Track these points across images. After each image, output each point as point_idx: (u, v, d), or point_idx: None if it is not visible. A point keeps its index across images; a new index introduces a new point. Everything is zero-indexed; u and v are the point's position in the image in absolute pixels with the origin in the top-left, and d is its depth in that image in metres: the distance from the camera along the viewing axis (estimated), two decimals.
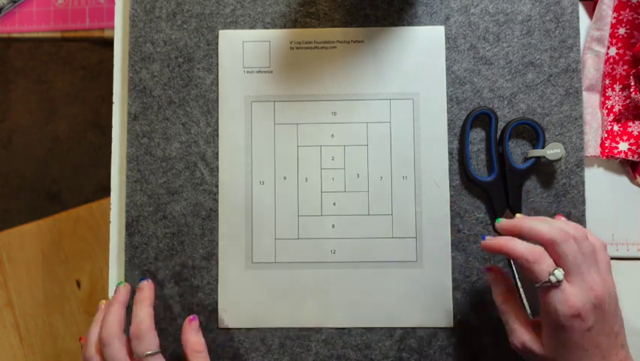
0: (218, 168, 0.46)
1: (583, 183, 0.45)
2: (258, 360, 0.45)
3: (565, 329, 0.34)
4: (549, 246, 0.35)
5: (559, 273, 0.34)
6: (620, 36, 0.46)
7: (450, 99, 0.45)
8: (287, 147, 0.46)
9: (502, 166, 0.44)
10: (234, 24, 0.47)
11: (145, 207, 0.46)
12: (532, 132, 0.45)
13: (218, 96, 0.46)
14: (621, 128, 0.46)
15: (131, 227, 0.46)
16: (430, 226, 0.45)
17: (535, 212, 0.45)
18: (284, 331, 0.45)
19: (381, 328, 0.45)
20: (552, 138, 0.45)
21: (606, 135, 0.46)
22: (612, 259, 0.46)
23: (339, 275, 0.45)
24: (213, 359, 0.44)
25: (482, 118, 0.45)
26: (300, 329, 0.45)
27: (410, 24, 0.46)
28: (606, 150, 0.46)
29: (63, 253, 0.87)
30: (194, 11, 0.47)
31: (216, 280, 0.45)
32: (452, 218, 0.45)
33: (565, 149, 0.45)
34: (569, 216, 0.44)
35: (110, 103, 0.48)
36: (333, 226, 0.45)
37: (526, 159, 0.45)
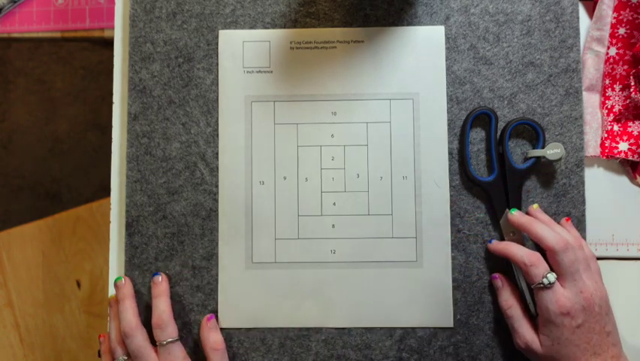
0: (218, 168, 0.46)
1: (583, 183, 0.45)
2: (258, 360, 0.45)
3: (557, 325, 0.38)
4: (549, 252, 0.40)
5: (551, 276, 0.39)
6: (620, 36, 0.46)
7: (450, 99, 0.45)
8: (287, 147, 0.46)
9: (502, 166, 0.44)
10: (234, 24, 0.47)
11: (145, 207, 0.46)
12: (532, 132, 0.45)
13: (218, 96, 0.46)
14: (621, 128, 0.46)
15: (131, 227, 0.46)
16: (430, 226, 0.45)
17: None
18: (284, 331, 0.45)
19: (381, 328, 0.45)
20: (552, 137, 0.45)
21: (606, 135, 0.46)
22: (612, 259, 0.46)
23: (339, 275, 0.45)
24: None
25: (482, 118, 0.45)
26: (300, 329, 0.45)
27: (410, 24, 0.46)
28: (606, 150, 0.46)
29: (63, 253, 0.87)
30: (194, 11, 0.47)
31: (216, 280, 0.45)
32: (452, 218, 0.45)
33: (565, 149, 0.45)
34: (568, 216, 0.44)
35: (110, 103, 0.48)
36: (333, 226, 0.45)
37: (526, 159, 0.45)
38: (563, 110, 0.45)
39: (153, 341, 0.42)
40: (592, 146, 0.46)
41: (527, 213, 0.43)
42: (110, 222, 0.47)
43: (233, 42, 0.46)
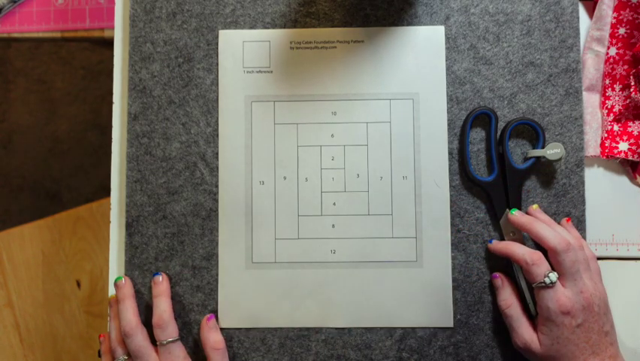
0: (218, 168, 0.46)
1: (583, 183, 0.45)
2: (257, 360, 0.45)
3: (557, 324, 0.38)
4: (551, 252, 0.40)
5: (553, 276, 0.39)
6: (620, 36, 0.46)
7: (450, 99, 0.45)
8: (287, 147, 0.46)
9: (502, 166, 0.44)
10: (234, 24, 0.47)
11: (145, 207, 0.46)
12: (532, 132, 0.45)
13: (218, 96, 0.46)
14: (621, 128, 0.46)
15: (131, 227, 0.46)
16: (430, 226, 0.45)
17: None
18: (284, 331, 0.45)
19: (381, 328, 0.45)
20: (552, 138, 0.45)
21: (606, 135, 0.46)
22: (612, 259, 0.46)
23: (339, 275, 0.45)
24: None
25: (482, 118, 0.45)
26: (300, 329, 0.45)
27: (410, 24, 0.46)
28: (606, 150, 0.46)
29: (63, 253, 0.87)
30: (194, 11, 0.47)
31: (216, 280, 0.45)
32: (452, 218, 0.45)
33: (565, 149, 0.45)
34: (568, 216, 0.44)
35: (110, 103, 0.48)
36: (333, 226, 0.45)
37: (526, 159, 0.45)
38: (562, 110, 0.45)
39: (153, 341, 0.42)
40: (592, 146, 0.46)
41: (527, 214, 0.43)
42: (110, 222, 0.47)
43: (233, 42, 0.46)
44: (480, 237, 0.45)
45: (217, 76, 0.46)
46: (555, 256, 0.39)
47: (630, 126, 0.46)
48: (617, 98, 0.46)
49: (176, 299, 0.45)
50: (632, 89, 0.45)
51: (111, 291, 0.45)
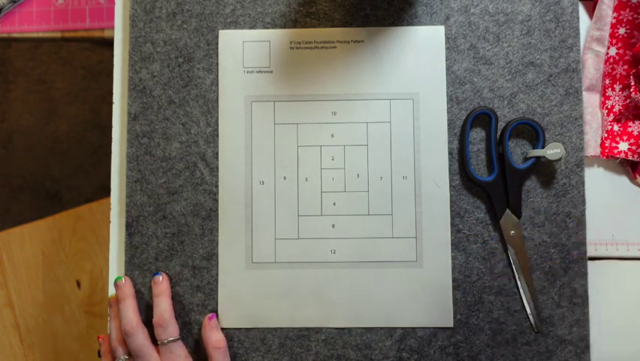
0: (218, 168, 0.46)
1: (583, 183, 0.45)
2: (257, 360, 0.45)
3: None
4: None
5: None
6: (620, 36, 0.46)
7: (450, 99, 0.45)
8: (287, 147, 0.46)
9: (502, 166, 0.44)
10: (234, 24, 0.47)
11: (145, 207, 0.46)
12: (532, 132, 0.45)
13: (218, 96, 0.46)
14: (621, 128, 0.46)
15: (131, 227, 0.46)
16: (430, 226, 0.45)
17: (536, 212, 0.45)
18: (284, 331, 0.45)
19: (381, 328, 0.45)
20: (552, 138, 0.45)
21: (606, 135, 0.46)
22: (612, 259, 0.46)
23: (339, 275, 0.45)
24: None
25: (482, 118, 0.45)
26: (300, 329, 0.45)
27: (410, 24, 0.46)
28: (606, 150, 0.46)
29: (63, 253, 0.87)
30: (194, 11, 0.47)
31: (216, 280, 0.45)
32: (452, 218, 0.45)
33: (565, 149, 0.45)
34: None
35: (110, 103, 0.48)
36: (333, 226, 0.45)
37: (526, 159, 0.45)
38: (563, 110, 0.45)
39: (154, 341, 0.42)
40: (592, 146, 0.46)
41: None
42: (110, 222, 0.47)
43: (233, 42, 0.46)
44: (480, 237, 0.45)
45: (217, 76, 0.46)
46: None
47: (630, 126, 0.46)
48: (617, 98, 0.46)
49: (176, 299, 0.45)
50: (632, 89, 0.45)
51: (111, 291, 0.45)
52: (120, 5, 0.49)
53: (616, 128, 0.46)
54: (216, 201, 0.45)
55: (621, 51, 0.46)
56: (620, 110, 0.46)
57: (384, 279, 0.45)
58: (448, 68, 0.46)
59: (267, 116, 0.46)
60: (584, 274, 0.44)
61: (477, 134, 0.46)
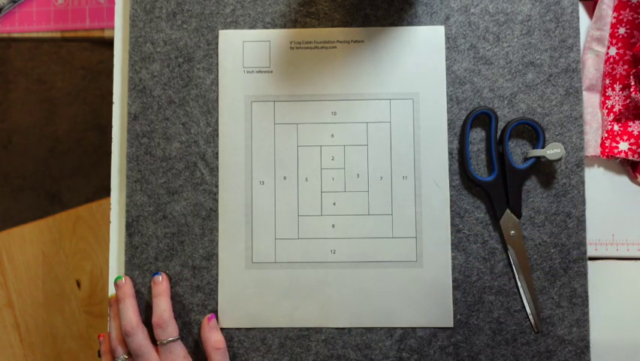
0: (218, 168, 0.46)
1: (583, 183, 0.45)
2: (257, 360, 0.45)
3: None
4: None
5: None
6: (620, 36, 0.46)
7: (450, 99, 0.45)
8: (287, 147, 0.46)
9: (502, 166, 0.44)
10: (234, 24, 0.47)
11: (145, 207, 0.46)
12: (532, 132, 0.45)
13: (218, 96, 0.46)
14: (621, 128, 0.46)
15: (131, 227, 0.46)
16: (430, 226, 0.45)
17: (536, 212, 0.45)
18: (284, 331, 0.45)
19: (381, 328, 0.45)
20: (552, 137, 0.45)
21: (606, 135, 0.46)
22: (612, 259, 0.46)
23: (339, 275, 0.45)
24: None
25: (482, 118, 0.45)
26: (300, 329, 0.45)
27: (410, 24, 0.46)
28: (606, 150, 0.46)
29: (63, 253, 0.87)
30: (194, 11, 0.47)
31: (216, 280, 0.45)
32: (452, 218, 0.45)
33: (565, 149, 0.45)
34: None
35: (110, 103, 0.48)
36: (333, 225, 0.45)
37: (526, 159, 0.45)
38: (563, 110, 0.45)
39: (153, 341, 0.42)
40: (592, 146, 0.46)
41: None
42: (110, 222, 0.47)
43: (233, 42, 0.46)
44: (480, 237, 0.45)
45: (217, 76, 0.46)
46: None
47: (630, 126, 0.46)
48: (617, 98, 0.46)
49: (176, 299, 0.45)
50: (632, 89, 0.45)
51: (111, 291, 0.45)
52: (120, 5, 0.49)
53: (616, 128, 0.46)
54: (216, 201, 0.45)
55: (621, 51, 0.46)
56: (620, 110, 0.46)
57: (384, 279, 0.45)
58: (448, 68, 0.46)
59: (267, 116, 0.46)
60: (584, 274, 0.44)
61: (477, 134, 0.46)
